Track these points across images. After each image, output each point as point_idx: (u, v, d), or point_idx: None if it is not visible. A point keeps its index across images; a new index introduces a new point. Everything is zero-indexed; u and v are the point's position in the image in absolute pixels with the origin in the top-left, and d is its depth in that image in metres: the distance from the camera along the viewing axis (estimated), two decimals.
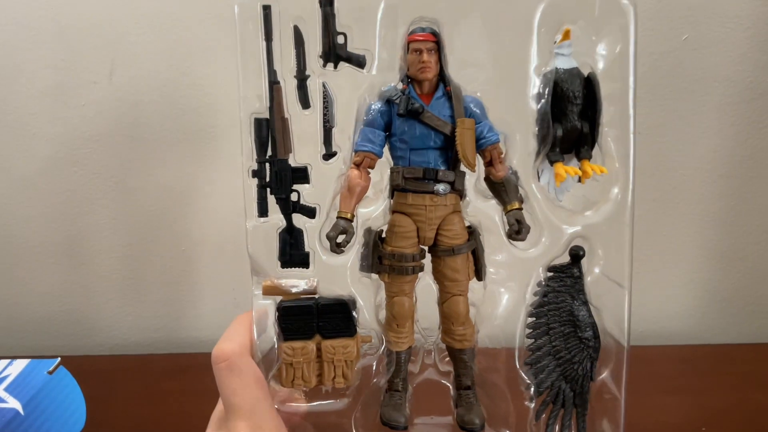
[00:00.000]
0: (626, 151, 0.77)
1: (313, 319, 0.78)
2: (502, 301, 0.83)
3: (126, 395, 1.18)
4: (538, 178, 0.80)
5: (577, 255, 0.78)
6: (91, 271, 1.38)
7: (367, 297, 0.82)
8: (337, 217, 0.77)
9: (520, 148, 0.79)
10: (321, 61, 0.76)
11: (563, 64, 0.76)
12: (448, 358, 0.85)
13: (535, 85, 0.77)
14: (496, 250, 0.81)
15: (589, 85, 0.76)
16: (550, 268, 0.80)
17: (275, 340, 0.79)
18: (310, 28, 0.75)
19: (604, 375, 0.81)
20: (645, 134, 1.27)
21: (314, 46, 0.76)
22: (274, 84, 0.76)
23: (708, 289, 1.37)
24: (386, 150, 0.80)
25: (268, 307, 0.79)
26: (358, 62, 0.76)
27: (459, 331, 0.81)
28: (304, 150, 0.78)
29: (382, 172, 0.80)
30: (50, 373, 0.93)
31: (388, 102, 0.78)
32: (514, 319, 0.82)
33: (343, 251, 0.78)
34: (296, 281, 0.79)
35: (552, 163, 0.79)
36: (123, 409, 1.13)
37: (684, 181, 1.30)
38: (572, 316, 0.80)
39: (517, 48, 0.77)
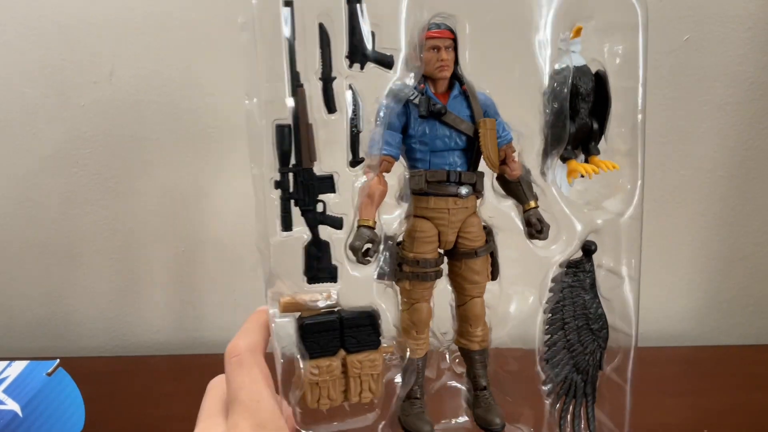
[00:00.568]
0: (634, 147, 0.76)
1: (336, 334, 0.74)
2: (518, 301, 0.83)
3: (125, 397, 1.17)
4: (544, 175, 0.79)
5: (589, 250, 0.78)
6: (91, 272, 1.37)
7: (389, 306, 0.79)
8: (360, 226, 0.74)
9: (535, 145, 0.78)
10: (347, 62, 0.71)
11: (572, 61, 0.75)
12: (458, 360, 0.85)
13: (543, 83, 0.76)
14: (513, 248, 0.80)
15: (599, 81, 0.75)
16: (566, 264, 0.80)
17: (299, 359, 0.74)
18: (336, 27, 0.71)
19: (613, 364, 0.82)
20: (645, 134, 1.27)
21: (340, 45, 0.71)
22: (297, 87, 0.70)
23: (709, 290, 1.36)
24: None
25: (287, 324, 0.75)
26: (387, 63, 0.72)
27: (477, 332, 0.80)
28: (329, 157, 0.73)
29: (396, 176, 0.77)
30: (49, 374, 0.92)
31: (405, 103, 0.74)
32: (530, 318, 0.82)
33: (369, 261, 0.74)
34: (315, 295, 0.74)
35: (564, 160, 0.78)
36: (122, 411, 1.12)
37: (685, 182, 1.29)
38: (585, 309, 0.80)
39: (524, 47, 0.76)
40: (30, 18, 1.24)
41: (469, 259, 0.78)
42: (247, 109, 0.74)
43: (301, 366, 0.74)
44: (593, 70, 0.75)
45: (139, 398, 1.16)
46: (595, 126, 0.77)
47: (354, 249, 0.73)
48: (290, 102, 0.70)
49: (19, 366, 0.94)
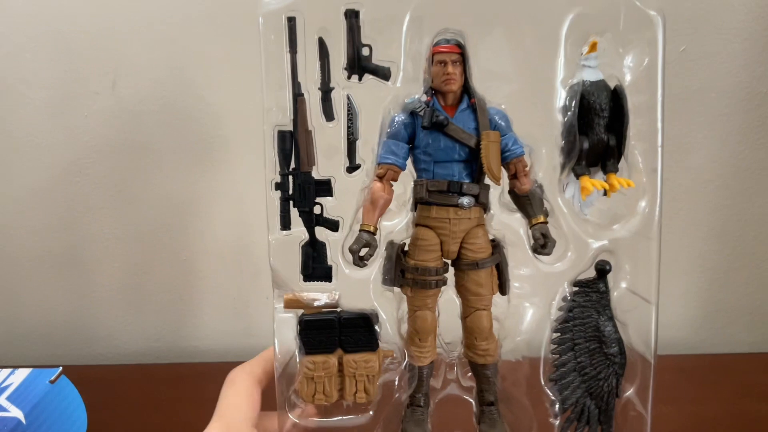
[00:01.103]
0: (653, 165, 0.76)
1: (335, 333, 0.78)
2: (527, 316, 0.82)
3: (127, 404, 1.17)
4: (563, 191, 0.79)
5: (603, 270, 0.78)
6: (93, 280, 1.38)
7: (390, 311, 0.81)
8: (360, 230, 0.76)
9: (545, 161, 0.79)
10: (345, 74, 0.75)
11: (590, 76, 0.75)
12: (470, 374, 0.84)
13: (561, 97, 0.77)
14: (521, 264, 0.80)
15: (616, 97, 0.75)
16: (576, 283, 0.79)
17: (296, 353, 0.78)
18: (335, 40, 0.74)
19: (630, 392, 0.80)
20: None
21: (339, 58, 0.75)
22: (298, 96, 0.75)
23: (705, 299, 1.37)
24: (409, 162, 0.79)
25: (289, 320, 0.79)
26: (384, 74, 0.75)
27: (482, 346, 0.80)
28: (327, 163, 0.77)
29: (405, 184, 0.80)
30: (52, 382, 0.93)
31: (412, 114, 0.77)
32: (538, 335, 0.82)
33: (365, 264, 0.77)
34: (318, 294, 0.78)
35: (578, 176, 0.78)
36: (124, 418, 1.13)
37: (681, 192, 1.30)
38: (598, 331, 0.79)
39: (543, 60, 0.77)
40: (33, 29, 1.25)
41: (472, 270, 0.79)
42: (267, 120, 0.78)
43: (298, 360, 0.78)
44: (611, 85, 0.76)
45: (141, 405, 1.17)
46: (612, 142, 0.77)
47: (351, 252, 0.76)
48: (291, 110, 0.74)
49: (22, 373, 0.95)
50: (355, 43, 0.74)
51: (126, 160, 1.31)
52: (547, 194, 0.79)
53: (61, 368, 0.95)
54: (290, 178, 0.76)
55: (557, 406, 0.80)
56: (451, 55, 0.75)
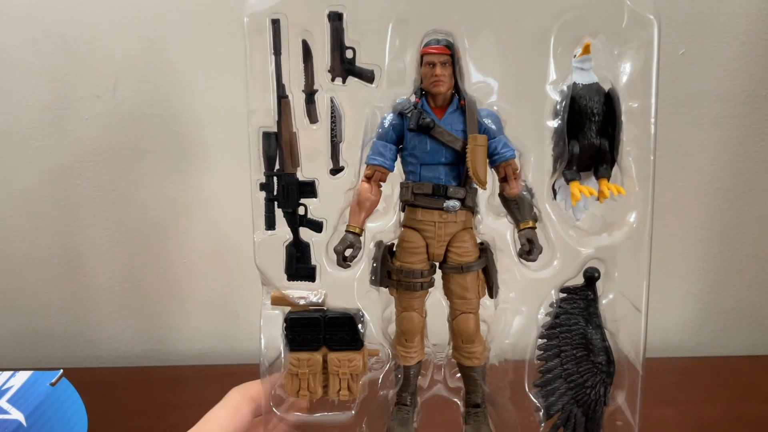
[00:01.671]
0: (646, 172, 0.75)
1: (319, 332, 0.79)
2: (513, 321, 0.82)
3: (127, 407, 1.18)
4: (554, 196, 0.78)
5: (591, 277, 0.77)
6: (93, 283, 1.38)
7: (375, 311, 0.81)
8: (346, 231, 0.77)
9: (535, 165, 0.78)
10: (329, 76, 0.75)
11: (582, 78, 0.74)
12: (458, 374, 0.84)
13: (551, 100, 0.76)
14: (507, 269, 0.80)
15: (609, 101, 0.74)
16: (563, 290, 0.79)
17: (282, 349, 0.79)
18: (319, 43, 0.74)
19: (618, 401, 0.80)
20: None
21: (323, 60, 0.75)
22: (282, 98, 0.75)
23: (706, 302, 1.37)
24: (399, 163, 0.79)
25: (276, 317, 0.80)
26: (367, 77, 0.76)
27: (468, 348, 0.80)
28: (312, 164, 0.77)
29: (393, 185, 0.79)
30: (53, 384, 0.93)
31: (401, 115, 0.76)
32: (524, 340, 0.81)
33: (349, 266, 0.77)
34: (305, 293, 0.79)
35: (568, 181, 0.76)
36: (124, 421, 1.13)
37: (682, 194, 1.30)
38: (585, 339, 0.78)
39: (534, 63, 0.76)
40: (34, 32, 1.26)
41: (457, 274, 0.79)
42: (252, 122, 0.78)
43: (283, 356, 0.79)
44: (604, 88, 0.75)
45: (141, 408, 1.17)
46: (604, 147, 0.75)
47: (335, 252, 0.76)
48: (275, 112, 0.75)
49: (23, 376, 0.95)
50: (338, 45, 0.74)
51: (126, 163, 1.31)
52: (536, 199, 0.78)
53: (61, 371, 0.95)
54: (275, 179, 0.77)
55: (542, 412, 0.80)
56: (440, 57, 0.74)
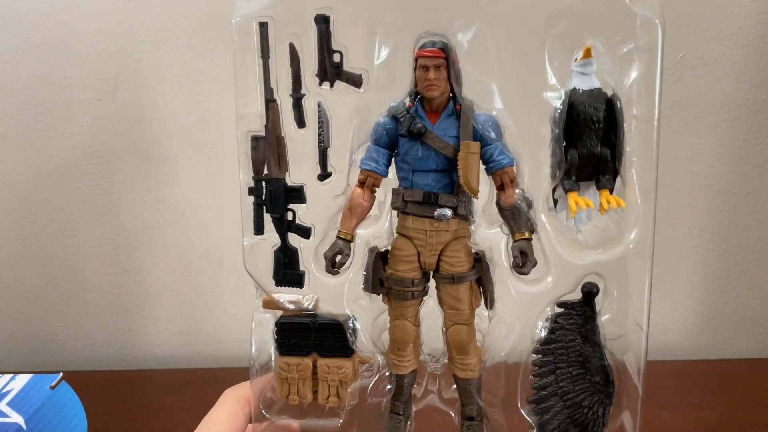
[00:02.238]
0: (649, 184, 0.72)
1: (309, 337, 0.78)
2: (507, 335, 0.80)
3: (127, 410, 1.18)
4: (554, 206, 0.75)
5: (590, 292, 0.74)
6: (93, 286, 1.38)
7: (366, 318, 0.80)
8: (337, 237, 0.75)
9: (534, 173, 0.75)
10: (317, 80, 0.74)
11: (583, 83, 0.70)
12: (454, 385, 0.82)
13: (550, 106, 0.73)
14: (501, 281, 0.77)
15: (611, 107, 0.70)
16: (560, 304, 0.75)
17: (273, 352, 0.79)
18: (306, 46, 0.73)
19: (618, 421, 0.77)
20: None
21: (310, 64, 0.73)
22: (270, 102, 0.74)
23: (707, 305, 1.37)
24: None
25: (268, 320, 0.80)
26: (354, 81, 0.74)
27: (462, 360, 0.78)
28: (300, 169, 0.76)
29: (386, 190, 0.78)
30: (52, 388, 0.93)
31: (395, 119, 0.74)
32: (518, 354, 0.79)
33: (338, 272, 0.76)
34: (297, 297, 0.78)
35: (566, 191, 0.73)
36: (124, 424, 1.13)
37: (682, 197, 1.30)
38: (582, 357, 0.75)
39: (532, 68, 0.74)
40: (35, 36, 1.26)
41: (449, 284, 0.76)
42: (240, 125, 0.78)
43: (273, 360, 0.79)
44: (605, 93, 0.71)
45: (141, 411, 1.17)
46: (606, 155, 0.71)
47: (324, 258, 0.75)
48: (264, 116, 0.74)
49: (22, 379, 0.95)
50: (326, 49, 0.73)
51: (126, 166, 1.31)
52: (533, 210, 0.75)
53: (61, 374, 0.95)
54: (263, 183, 0.76)
55: (535, 430, 0.77)
56: (434, 60, 0.71)
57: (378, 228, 0.79)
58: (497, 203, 0.76)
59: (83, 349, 1.42)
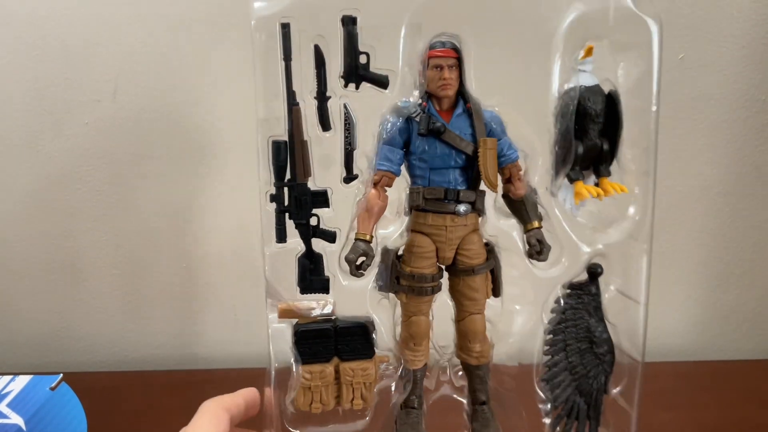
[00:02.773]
0: (646, 168, 0.76)
1: (331, 342, 0.78)
2: (519, 319, 0.83)
3: (127, 411, 1.18)
4: (555, 195, 0.79)
5: (595, 273, 0.79)
6: (94, 287, 1.38)
7: (386, 318, 0.81)
8: (356, 240, 0.76)
9: (540, 165, 0.78)
10: (342, 82, 0.74)
11: (585, 81, 0.75)
12: (461, 373, 0.85)
13: (552, 103, 0.76)
14: (514, 268, 0.80)
15: (611, 102, 0.75)
16: (569, 286, 0.80)
17: (293, 363, 0.78)
18: (331, 47, 0.73)
19: (617, 390, 0.82)
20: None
21: (335, 65, 0.73)
22: (293, 105, 0.73)
23: (706, 306, 1.37)
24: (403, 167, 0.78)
25: (284, 330, 0.78)
26: (381, 83, 0.74)
27: (476, 348, 0.81)
28: (324, 173, 0.76)
29: (398, 190, 0.79)
30: (52, 389, 0.93)
31: (407, 119, 0.75)
32: (530, 337, 0.82)
33: (363, 274, 0.76)
34: (312, 303, 0.78)
35: (572, 181, 0.77)
36: (124, 425, 1.13)
37: (681, 199, 1.30)
38: (589, 332, 0.80)
39: (538, 66, 0.76)
40: (34, 37, 1.25)
41: (467, 276, 0.79)
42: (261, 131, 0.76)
43: (294, 370, 0.77)
44: (606, 90, 0.76)
45: (141, 413, 1.17)
46: (606, 147, 0.76)
47: (348, 261, 0.75)
48: (287, 119, 0.72)
49: (22, 380, 0.95)
50: (352, 50, 0.73)
51: (126, 167, 1.31)
52: (541, 199, 0.79)
53: (61, 375, 0.95)
54: (285, 189, 0.75)
55: (549, 405, 0.82)
56: (448, 60, 0.73)
57: (397, 228, 0.80)
58: (505, 196, 0.79)
59: (83, 350, 1.42)
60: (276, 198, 0.75)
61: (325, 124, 0.74)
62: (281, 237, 0.76)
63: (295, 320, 0.78)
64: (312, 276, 0.77)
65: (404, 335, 0.81)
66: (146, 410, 1.18)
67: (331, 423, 0.81)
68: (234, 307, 1.38)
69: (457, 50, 0.74)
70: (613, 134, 0.76)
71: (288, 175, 0.75)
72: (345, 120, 0.74)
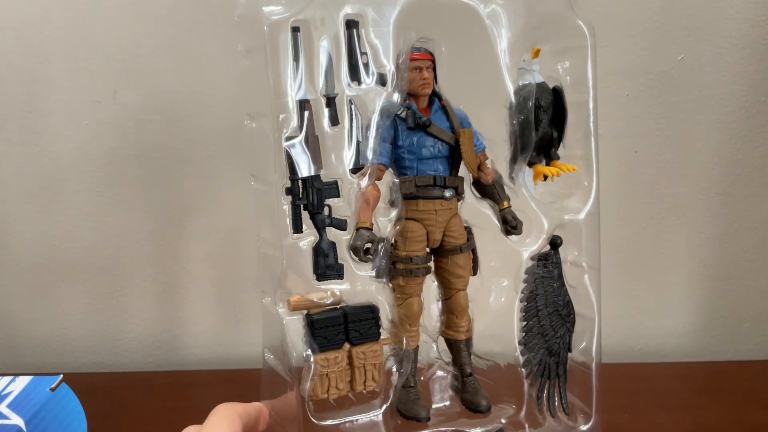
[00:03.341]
0: (589, 153, 0.87)
1: (342, 329, 0.82)
2: (497, 292, 0.92)
3: (127, 412, 1.19)
4: (512, 179, 0.89)
5: (555, 243, 0.89)
6: (94, 288, 1.39)
7: (388, 301, 0.87)
8: (359, 228, 0.81)
9: (505, 152, 0.89)
10: (347, 80, 0.80)
11: (533, 78, 0.85)
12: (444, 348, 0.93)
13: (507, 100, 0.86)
14: (491, 244, 0.90)
15: (557, 95, 0.87)
16: (537, 257, 0.89)
17: (309, 354, 0.81)
18: (338, 48, 0.79)
19: (580, 348, 0.90)
20: (641, 153, 1.29)
21: (341, 65, 0.79)
22: (305, 103, 0.78)
23: (705, 307, 1.38)
24: None
25: (294, 322, 0.81)
26: (381, 80, 0.81)
27: (462, 323, 0.89)
28: (331, 165, 0.81)
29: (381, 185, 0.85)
30: (52, 390, 0.93)
31: (393, 117, 0.83)
32: (508, 307, 0.90)
33: (371, 259, 0.82)
34: (322, 293, 0.82)
35: (531, 165, 0.89)
36: (124, 426, 1.14)
37: (680, 200, 1.32)
38: (555, 297, 0.89)
39: (494, 67, 0.85)
40: (34, 38, 1.27)
41: (455, 255, 0.87)
42: (250, 128, 0.84)
43: (311, 359, 0.80)
44: (551, 86, 0.87)
45: (141, 413, 1.18)
46: (555, 134, 0.88)
47: (355, 249, 0.81)
48: (299, 116, 0.78)
49: (22, 381, 0.95)
50: (355, 51, 0.79)
51: (127, 168, 1.32)
52: (506, 181, 0.89)
53: (61, 376, 0.95)
54: (299, 182, 0.79)
55: (527, 368, 0.90)
56: (425, 62, 0.83)
57: (393, 214, 0.86)
58: (475, 182, 0.89)
59: (83, 350, 1.42)
60: (291, 191, 0.79)
61: (333, 119, 0.80)
62: (297, 228, 0.80)
63: (304, 312, 0.82)
64: (327, 263, 0.81)
65: (401, 317, 0.87)
66: (146, 411, 1.19)
67: (348, 407, 0.84)
68: (234, 308, 1.38)
69: (431, 54, 0.83)
70: (559, 123, 0.87)
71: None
72: (352, 115, 0.80)
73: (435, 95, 0.86)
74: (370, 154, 0.81)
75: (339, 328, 0.81)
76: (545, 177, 0.89)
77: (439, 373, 0.94)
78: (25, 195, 1.35)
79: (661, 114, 1.28)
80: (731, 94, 1.27)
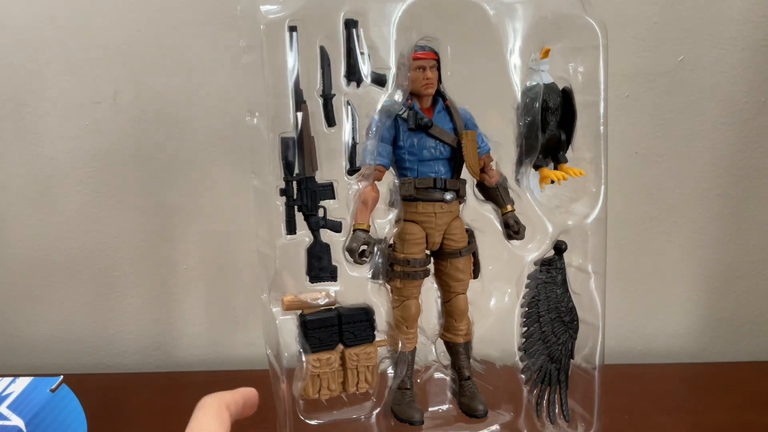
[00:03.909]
0: (599, 156, 0.85)
1: (335, 330, 0.82)
2: (498, 296, 0.91)
3: (127, 413, 1.19)
4: (517, 182, 0.87)
5: (560, 248, 0.88)
6: (93, 289, 1.39)
7: (383, 304, 0.86)
8: (355, 230, 0.81)
9: (512, 154, 0.86)
10: (345, 81, 0.79)
11: (542, 79, 0.84)
12: (443, 353, 0.93)
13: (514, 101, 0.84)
14: (492, 248, 0.88)
15: (566, 97, 0.85)
16: (540, 262, 0.88)
17: (300, 353, 0.81)
18: (335, 48, 0.78)
19: (582, 354, 0.90)
20: (642, 154, 1.29)
21: (339, 65, 0.78)
22: (301, 103, 0.78)
23: (706, 308, 1.38)
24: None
25: (287, 322, 0.82)
26: (380, 81, 0.80)
27: (461, 327, 0.89)
28: (327, 167, 0.80)
29: (381, 185, 0.84)
30: (53, 391, 0.93)
31: (395, 117, 0.82)
32: (508, 312, 0.89)
33: (366, 261, 0.81)
34: (316, 294, 0.82)
35: (537, 168, 0.88)
36: (124, 427, 1.13)
37: (681, 200, 1.32)
38: (558, 303, 0.88)
39: (500, 68, 0.83)
40: (34, 39, 1.27)
41: (454, 258, 0.86)
42: (250, 125, 0.82)
43: (303, 359, 0.81)
44: (560, 87, 0.86)
45: (141, 414, 1.18)
46: (563, 137, 0.87)
47: (351, 251, 0.80)
48: (295, 116, 0.78)
49: (23, 382, 0.95)
50: (353, 51, 0.78)
51: (127, 169, 1.32)
52: (511, 184, 0.87)
53: (61, 377, 0.95)
54: (294, 183, 0.79)
55: (526, 374, 0.89)
56: (429, 61, 0.82)
57: (392, 215, 0.86)
58: (479, 184, 0.87)
59: (83, 351, 1.42)
60: (285, 192, 0.79)
61: (330, 120, 0.79)
62: (291, 229, 0.80)
63: (298, 312, 0.82)
64: (320, 265, 0.81)
65: (398, 319, 0.87)
66: (147, 412, 1.19)
67: (339, 408, 0.85)
68: (233, 309, 1.38)
69: (436, 53, 0.82)
70: (568, 125, 0.86)
71: (297, 170, 0.79)
72: (350, 116, 0.80)
73: (439, 95, 0.84)
74: (368, 155, 0.81)
75: (333, 329, 0.81)
76: (552, 181, 0.87)
77: (437, 375, 0.94)
78: (25, 195, 1.34)
79: (661, 115, 1.28)
80: (731, 95, 1.27)
